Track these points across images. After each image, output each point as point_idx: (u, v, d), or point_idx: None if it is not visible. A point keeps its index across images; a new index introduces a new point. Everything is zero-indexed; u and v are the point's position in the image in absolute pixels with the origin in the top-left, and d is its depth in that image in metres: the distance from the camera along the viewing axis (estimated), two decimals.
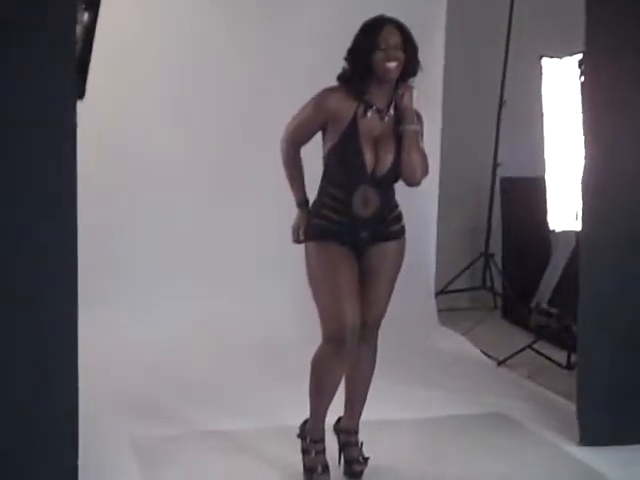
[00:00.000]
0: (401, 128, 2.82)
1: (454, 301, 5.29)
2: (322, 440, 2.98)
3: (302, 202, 2.94)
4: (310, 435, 2.98)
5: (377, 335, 3.00)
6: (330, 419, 3.07)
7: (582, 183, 3.38)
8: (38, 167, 2.61)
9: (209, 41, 4.49)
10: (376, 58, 2.74)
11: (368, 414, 3.13)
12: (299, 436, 3.02)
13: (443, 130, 4.92)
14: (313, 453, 2.96)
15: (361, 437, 3.06)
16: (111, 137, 4.30)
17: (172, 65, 4.45)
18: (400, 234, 2.93)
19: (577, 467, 3.21)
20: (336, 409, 3.04)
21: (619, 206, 3.32)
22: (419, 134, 2.85)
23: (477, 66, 5.18)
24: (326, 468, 2.94)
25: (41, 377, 2.67)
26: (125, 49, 4.27)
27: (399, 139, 2.83)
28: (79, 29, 2.75)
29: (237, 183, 4.58)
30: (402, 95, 2.82)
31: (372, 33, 2.75)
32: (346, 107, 2.78)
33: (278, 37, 4.54)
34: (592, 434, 3.33)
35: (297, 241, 2.92)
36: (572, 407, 3.43)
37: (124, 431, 3.34)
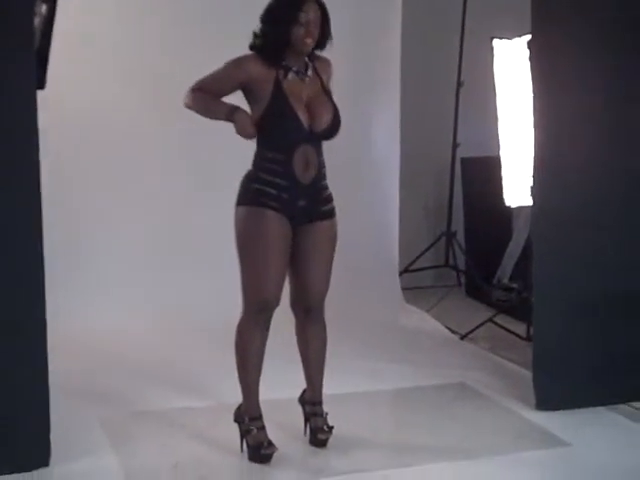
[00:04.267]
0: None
1: (418, 279, 5.36)
2: (260, 417, 2.97)
3: (232, 107, 2.82)
4: (247, 414, 2.97)
5: (323, 312, 3.06)
6: (295, 392, 3.17)
7: (533, 159, 3.51)
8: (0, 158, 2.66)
9: (173, 26, 4.44)
10: (296, 32, 2.81)
11: (335, 387, 3.21)
12: (235, 421, 3.01)
13: (402, 113, 4.99)
14: (255, 430, 2.94)
15: (327, 409, 3.11)
16: (74, 128, 4.33)
17: (135, 54, 4.42)
18: (332, 214, 2.99)
19: (533, 430, 3.33)
20: (301, 383, 3.13)
21: (568, 181, 3.43)
22: None
23: (433, 48, 5.24)
24: (270, 442, 2.94)
25: (12, 361, 2.75)
26: (87, 39, 4.27)
27: (331, 99, 2.93)
28: (37, 20, 2.81)
29: (200, 174, 4.56)
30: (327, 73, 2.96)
31: (294, 7, 2.80)
32: (266, 73, 2.84)
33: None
34: (547, 399, 3.46)
35: (253, 133, 2.80)
36: (530, 375, 3.54)
37: (90, 412, 3.35)
